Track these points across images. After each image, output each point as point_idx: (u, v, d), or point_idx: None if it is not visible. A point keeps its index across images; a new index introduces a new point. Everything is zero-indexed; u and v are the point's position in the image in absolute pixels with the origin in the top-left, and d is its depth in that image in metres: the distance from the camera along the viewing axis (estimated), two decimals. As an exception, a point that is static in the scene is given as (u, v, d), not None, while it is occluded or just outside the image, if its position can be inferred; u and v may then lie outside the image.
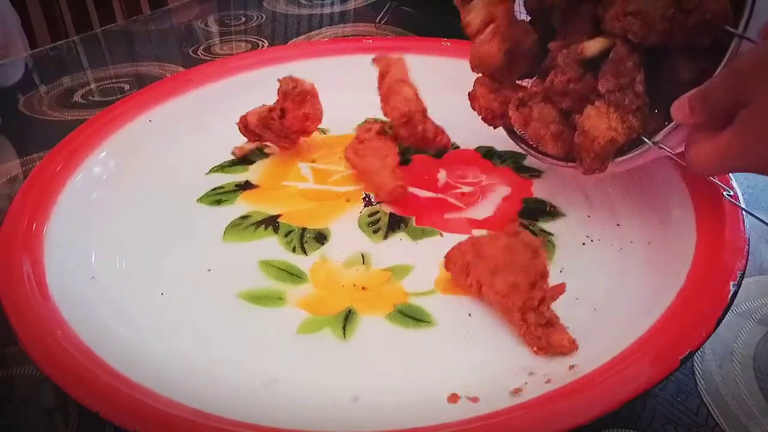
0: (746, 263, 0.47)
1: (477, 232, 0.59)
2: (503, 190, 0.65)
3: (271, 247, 0.59)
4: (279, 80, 0.66)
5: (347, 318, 0.50)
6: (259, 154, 0.72)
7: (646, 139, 0.51)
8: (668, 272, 0.49)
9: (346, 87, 0.81)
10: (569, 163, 0.56)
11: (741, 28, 0.45)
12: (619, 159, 0.53)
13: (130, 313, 0.50)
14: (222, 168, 0.70)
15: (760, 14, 0.45)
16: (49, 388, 0.46)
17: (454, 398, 0.43)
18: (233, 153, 0.71)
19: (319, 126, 0.72)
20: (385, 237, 0.60)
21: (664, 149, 0.50)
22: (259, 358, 0.47)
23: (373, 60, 0.68)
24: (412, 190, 0.65)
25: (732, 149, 0.42)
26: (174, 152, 0.71)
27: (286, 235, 0.59)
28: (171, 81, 0.83)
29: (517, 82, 0.60)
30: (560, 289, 0.46)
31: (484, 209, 0.62)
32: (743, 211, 0.51)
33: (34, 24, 1.45)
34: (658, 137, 0.50)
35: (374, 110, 0.79)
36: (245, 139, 0.70)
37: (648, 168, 0.54)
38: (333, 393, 0.44)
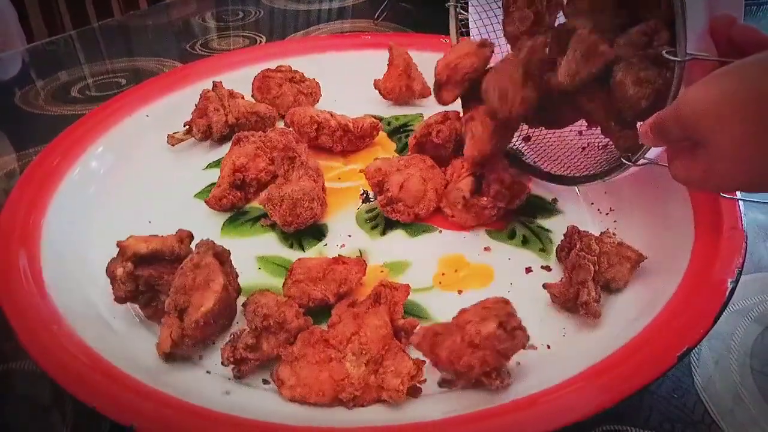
0: (744, 260, 0.47)
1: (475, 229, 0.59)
2: (501, 187, 0.65)
3: (269, 242, 0.59)
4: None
5: (345, 314, 0.50)
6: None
7: (626, 161, 0.52)
8: (666, 269, 0.50)
9: (344, 83, 0.81)
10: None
11: (680, 53, 0.44)
12: (607, 179, 0.55)
13: (128, 308, 0.50)
14: (219, 163, 0.69)
15: (696, 22, 0.44)
16: (45, 383, 0.46)
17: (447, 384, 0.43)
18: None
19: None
20: (383, 233, 0.59)
21: (646, 162, 0.51)
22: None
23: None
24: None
25: (708, 180, 0.43)
26: (171, 147, 0.71)
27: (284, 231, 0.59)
28: (168, 76, 0.82)
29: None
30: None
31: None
32: (740, 202, 0.51)
33: (32, 19, 1.44)
34: (636, 157, 0.51)
35: (372, 106, 0.79)
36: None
37: (646, 166, 0.54)
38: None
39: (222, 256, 0.49)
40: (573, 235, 0.52)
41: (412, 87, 0.78)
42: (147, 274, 0.47)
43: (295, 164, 0.59)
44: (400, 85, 0.78)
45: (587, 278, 0.48)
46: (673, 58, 0.44)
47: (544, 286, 0.50)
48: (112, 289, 0.47)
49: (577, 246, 0.50)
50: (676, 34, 0.43)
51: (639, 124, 0.53)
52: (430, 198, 0.60)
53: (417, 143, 0.65)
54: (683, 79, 0.44)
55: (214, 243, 0.48)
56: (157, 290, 0.48)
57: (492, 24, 0.64)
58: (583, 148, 0.62)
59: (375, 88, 0.80)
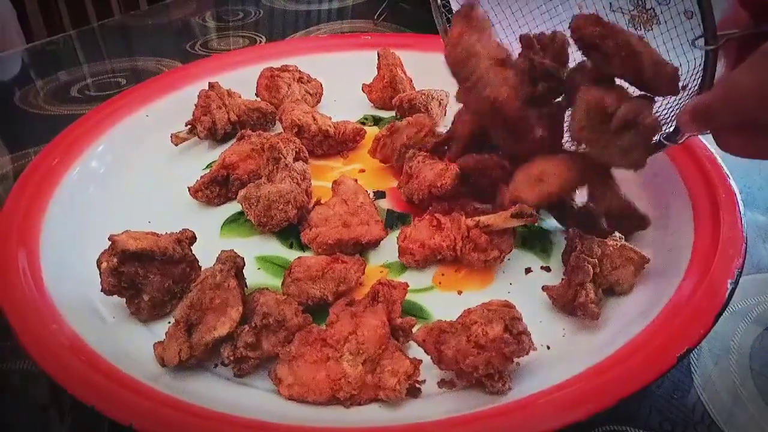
0: (744, 262, 0.47)
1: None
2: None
3: (268, 242, 0.59)
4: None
5: (344, 314, 0.50)
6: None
7: (665, 142, 0.50)
8: (666, 270, 0.50)
9: (343, 83, 0.81)
10: None
11: (711, 40, 0.42)
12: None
13: (127, 308, 0.50)
14: (219, 163, 0.69)
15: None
16: (44, 382, 0.46)
17: (446, 384, 0.44)
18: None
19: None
20: (383, 233, 0.59)
21: (688, 137, 0.49)
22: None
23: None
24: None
25: (763, 155, 0.42)
26: (171, 147, 0.71)
27: (283, 231, 0.59)
28: (168, 76, 0.82)
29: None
30: None
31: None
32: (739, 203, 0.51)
33: (31, 18, 1.45)
34: (678, 137, 0.49)
35: (372, 107, 0.80)
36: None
37: (646, 167, 0.54)
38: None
39: (241, 270, 0.48)
40: (574, 238, 0.52)
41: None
42: (132, 271, 0.47)
43: (279, 165, 0.59)
44: (384, 97, 0.78)
45: (585, 280, 0.47)
46: (706, 47, 0.43)
47: (544, 288, 0.50)
48: (100, 280, 0.48)
49: (578, 248, 0.50)
50: (702, 19, 0.42)
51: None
52: (332, 237, 0.56)
53: (374, 139, 0.67)
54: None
55: (236, 255, 0.48)
56: (139, 288, 0.48)
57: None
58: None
59: (363, 91, 0.80)
